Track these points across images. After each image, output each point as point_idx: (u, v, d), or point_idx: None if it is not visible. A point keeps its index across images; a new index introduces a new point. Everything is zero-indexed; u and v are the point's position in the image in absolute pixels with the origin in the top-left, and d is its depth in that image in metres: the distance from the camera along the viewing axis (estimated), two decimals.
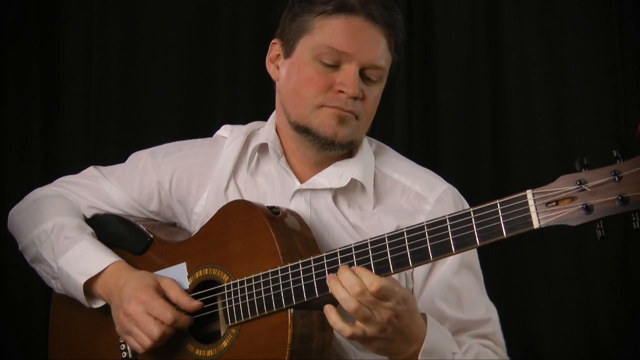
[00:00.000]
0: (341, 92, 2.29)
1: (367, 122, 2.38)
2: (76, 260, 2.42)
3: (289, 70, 2.38)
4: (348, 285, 1.99)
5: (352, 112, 2.31)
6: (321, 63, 2.31)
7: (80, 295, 2.41)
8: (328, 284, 2.04)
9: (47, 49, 3.98)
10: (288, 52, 2.38)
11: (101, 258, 2.42)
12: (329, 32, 2.31)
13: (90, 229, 2.52)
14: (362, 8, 2.30)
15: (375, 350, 2.09)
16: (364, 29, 2.30)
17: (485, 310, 2.39)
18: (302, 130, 2.35)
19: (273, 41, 2.45)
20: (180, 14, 4.00)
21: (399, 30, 2.37)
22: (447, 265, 2.33)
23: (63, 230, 2.48)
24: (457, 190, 2.46)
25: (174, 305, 2.29)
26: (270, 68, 2.46)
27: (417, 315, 2.11)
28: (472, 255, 2.41)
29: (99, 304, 2.43)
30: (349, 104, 2.30)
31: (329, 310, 2.03)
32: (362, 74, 2.31)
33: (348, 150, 2.41)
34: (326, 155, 2.39)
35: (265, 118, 2.55)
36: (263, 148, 2.47)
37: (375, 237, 2.05)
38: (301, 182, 2.42)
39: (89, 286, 2.40)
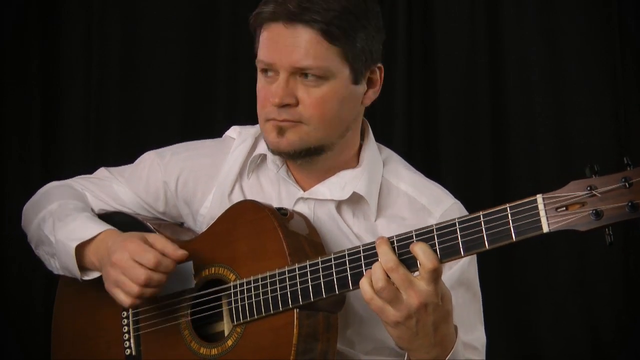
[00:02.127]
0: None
1: (321, 125, 2.28)
2: (72, 230, 2.41)
3: None
4: (383, 260, 1.97)
5: (287, 120, 2.26)
6: (264, 76, 2.29)
7: (73, 262, 2.39)
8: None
9: (47, 49, 3.97)
10: None
11: (95, 226, 2.41)
12: (260, 45, 2.28)
13: (94, 212, 2.54)
14: (280, 13, 2.23)
15: (396, 337, 2.04)
16: (282, 34, 2.23)
17: (477, 336, 2.36)
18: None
19: None
20: (180, 14, 4.00)
21: (327, 17, 2.23)
22: (445, 278, 2.22)
23: (66, 209, 2.48)
24: (463, 207, 2.41)
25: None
26: None
27: (451, 320, 2.06)
28: (472, 276, 2.39)
29: (91, 275, 2.41)
30: (282, 113, 2.25)
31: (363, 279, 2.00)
32: (300, 77, 2.25)
33: (354, 155, 2.40)
34: (309, 165, 2.36)
35: None
36: (265, 157, 2.46)
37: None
38: (304, 190, 2.40)
39: (82, 255, 2.39)
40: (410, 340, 2.03)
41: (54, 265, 2.49)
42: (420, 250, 1.95)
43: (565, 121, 3.86)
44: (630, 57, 3.83)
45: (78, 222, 2.43)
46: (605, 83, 3.83)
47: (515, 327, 3.86)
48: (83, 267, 2.41)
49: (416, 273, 1.98)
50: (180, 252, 2.27)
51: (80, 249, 2.38)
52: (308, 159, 2.32)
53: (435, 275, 1.96)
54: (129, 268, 2.25)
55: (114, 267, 2.27)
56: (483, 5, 3.92)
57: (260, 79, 2.30)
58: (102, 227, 2.41)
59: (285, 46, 2.23)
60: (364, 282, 2.00)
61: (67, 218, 2.45)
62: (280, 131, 2.27)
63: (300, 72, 2.24)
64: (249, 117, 2.65)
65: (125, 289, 2.26)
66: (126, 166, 2.64)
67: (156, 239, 2.31)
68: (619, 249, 3.79)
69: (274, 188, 2.44)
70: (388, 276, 1.97)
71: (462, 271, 2.32)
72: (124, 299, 2.28)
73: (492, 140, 3.92)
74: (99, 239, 2.38)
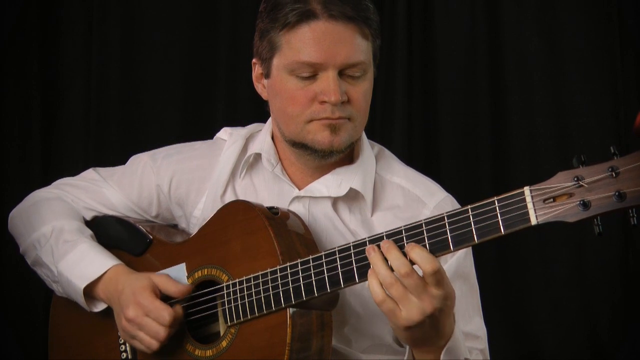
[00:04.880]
0: (325, 101, 2.24)
1: (362, 121, 2.33)
2: (75, 264, 2.42)
3: (272, 90, 2.34)
4: (395, 265, 1.93)
5: (342, 118, 2.26)
6: (298, 77, 2.26)
7: (81, 300, 2.41)
8: (368, 256, 1.98)
9: (47, 49, 3.98)
10: (267, 72, 2.35)
11: (100, 261, 2.41)
12: (296, 46, 2.25)
13: (89, 232, 2.52)
14: (323, 10, 2.23)
15: (405, 338, 2.03)
16: (329, 32, 2.23)
17: (476, 326, 2.37)
18: (300, 146, 2.32)
19: (253, 61, 2.40)
20: (180, 14, 4.00)
21: (368, 16, 2.28)
22: None
23: (62, 234, 2.48)
24: (455, 200, 2.43)
25: (175, 299, 2.31)
26: (258, 88, 2.42)
27: (452, 312, 2.05)
28: (469, 268, 2.39)
29: (99, 307, 2.43)
30: (336, 110, 2.25)
31: (371, 273, 1.97)
32: (343, 74, 2.26)
33: (348, 152, 2.39)
34: (327, 162, 2.36)
35: (265, 118, 2.54)
36: (259, 156, 2.45)
37: (374, 236, 2.03)
38: (299, 188, 2.40)
39: (89, 289, 2.40)
40: (418, 338, 2.03)
41: (56, 289, 2.51)
42: (417, 257, 1.94)
43: (565, 121, 3.85)
44: (630, 57, 3.82)
45: (79, 253, 2.43)
46: (605, 83, 3.83)
47: (512, 325, 3.86)
48: (89, 297, 2.42)
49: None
50: (182, 287, 2.31)
51: (88, 285, 2.40)
52: (337, 156, 2.34)
53: (440, 277, 1.94)
54: (146, 326, 2.27)
55: (131, 324, 2.29)
56: (483, 5, 3.92)
57: (292, 80, 2.27)
58: (107, 262, 2.41)
59: (335, 44, 2.24)
60: (373, 284, 1.97)
61: (65, 245, 2.45)
62: (334, 129, 2.27)
63: (345, 70, 2.25)
64: (249, 117, 2.65)
65: (144, 343, 2.29)
66: (116, 168, 2.64)
67: (165, 284, 2.33)
68: (617, 244, 3.80)
69: (268, 188, 2.44)
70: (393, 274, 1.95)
71: (458, 264, 2.33)
72: (144, 349, 2.31)
73: (492, 140, 3.91)
74: (107, 278, 2.39)
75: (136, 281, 2.33)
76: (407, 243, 1.97)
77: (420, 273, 1.95)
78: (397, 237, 1.99)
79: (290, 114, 2.29)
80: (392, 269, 1.96)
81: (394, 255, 1.96)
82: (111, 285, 2.37)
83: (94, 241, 2.49)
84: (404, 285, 1.94)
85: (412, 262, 1.96)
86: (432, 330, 2.01)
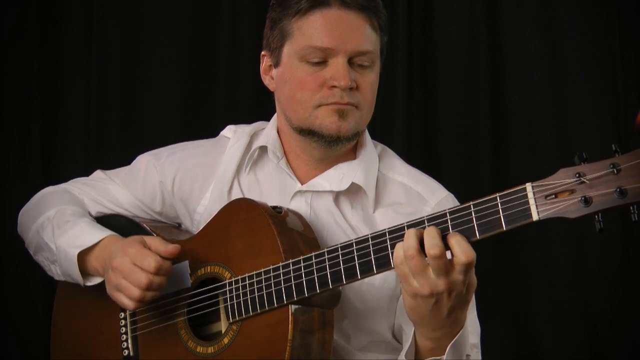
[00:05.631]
0: (334, 86, 2.29)
1: (369, 110, 2.37)
2: (73, 237, 2.43)
3: (281, 78, 2.38)
4: (429, 243, 1.91)
5: (350, 104, 2.30)
6: (308, 63, 2.31)
7: (75, 270, 2.40)
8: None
9: (47, 49, 3.97)
10: (276, 61, 2.39)
11: (97, 233, 2.42)
12: (308, 32, 2.31)
13: (92, 216, 2.55)
14: None
15: (409, 307, 2.00)
16: (341, 19, 2.29)
17: (471, 321, 2.32)
18: (307, 132, 2.35)
19: (262, 53, 2.45)
20: (180, 14, 4.01)
21: (378, 9, 2.35)
22: None
23: (64, 215, 2.49)
24: (456, 199, 2.45)
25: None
26: (265, 80, 2.46)
27: (467, 308, 2.03)
28: None
29: (93, 281, 2.43)
30: (345, 96, 2.29)
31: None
32: (352, 63, 2.31)
33: (354, 144, 2.42)
34: (333, 153, 2.39)
35: (265, 117, 2.56)
36: (264, 150, 2.48)
37: (377, 232, 2.04)
38: (302, 183, 2.42)
39: (84, 261, 2.41)
40: (422, 315, 2.00)
41: (55, 272, 2.51)
42: (455, 243, 1.92)
43: (565, 121, 3.86)
44: (630, 57, 3.83)
45: (78, 229, 2.45)
46: (605, 83, 3.83)
47: (512, 325, 3.86)
48: (85, 273, 2.42)
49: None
50: (171, 247, 2.30)
51: (83, 255, 2.40)
52: (343, 145, 2.36)
53: (469, 268, 1.93)
54: (130, 273, 2.27)
55: (115, 272, 2.29)
56: (483, 5, 3.93)
57: (302, 67, 2.32)
58: (104, 233, 2.42)
59: (346, 31, 2.30)
60: (398, 246, 1.95)
61: (66, 224, 2.47)
62: (342, 115, 2.31)
63: (354, 58, 2.30)
64: (249, 117, 2.66)
65: (127, 293, 2.28)
66: (122, 168, 2.66)
67: (151, 239, 2.33)
68: (618, 244, 3.80)
69: (272, 183, 2.46)
70: (423, 251, 1.93)
71: None
72: (127, 302, 2.30)
73: (491, 140, 3.92)
74: (102, 245, 2.40)
75: (128, 238, 2.35)
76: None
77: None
78: (399, 234, 1.99)
79: (299, 99, 2.33)
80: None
81: (431, 234, 1.93)
82: (105, 251, 2.37)
83: (95, 222, 2.51)
84: (427, 263, 1.92)
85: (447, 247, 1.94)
86: (437, 310, 1.98)
